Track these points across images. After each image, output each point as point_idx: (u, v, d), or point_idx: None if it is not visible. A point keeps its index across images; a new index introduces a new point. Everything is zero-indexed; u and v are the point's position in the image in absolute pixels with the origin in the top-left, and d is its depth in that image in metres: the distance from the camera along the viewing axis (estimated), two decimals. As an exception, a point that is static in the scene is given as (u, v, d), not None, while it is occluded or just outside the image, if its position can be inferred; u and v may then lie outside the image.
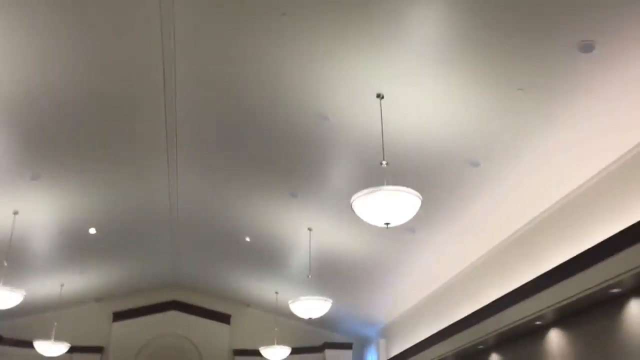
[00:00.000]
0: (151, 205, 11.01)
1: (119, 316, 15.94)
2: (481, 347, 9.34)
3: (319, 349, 15.95)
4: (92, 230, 11.32)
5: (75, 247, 11.97)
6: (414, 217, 6.13)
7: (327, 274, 11.89)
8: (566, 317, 7.24)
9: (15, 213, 9.60)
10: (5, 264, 9.74)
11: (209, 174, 9.95)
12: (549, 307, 7.12)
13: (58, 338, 13.29)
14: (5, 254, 9.82)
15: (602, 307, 6.58)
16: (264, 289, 14.76)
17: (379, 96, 6.57)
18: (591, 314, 6.80)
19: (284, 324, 15.05)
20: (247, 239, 11.99)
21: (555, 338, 7.56)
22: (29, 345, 13.31)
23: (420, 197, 5.92)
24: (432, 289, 11.60)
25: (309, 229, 10.54)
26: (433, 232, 9.48)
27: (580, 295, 6.52)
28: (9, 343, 14.40)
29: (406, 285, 12.00)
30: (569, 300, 6.74)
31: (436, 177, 7.94)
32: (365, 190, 5.88)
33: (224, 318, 16.53)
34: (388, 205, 5.88)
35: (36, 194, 9.44)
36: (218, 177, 9.92)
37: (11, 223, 9.66)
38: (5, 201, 9.37)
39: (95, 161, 9.06)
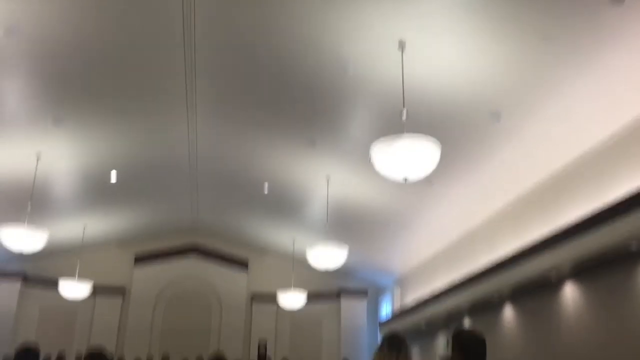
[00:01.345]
0: (171, 152, 11.10)
1: (140, 260, 16.34)
2: (496, 299, 9.44)
3: (335, 295, 16.27)
4: (113, 176, 11.48)
5: (97, 192, 12.18)
6: (431, 170, 6.11)
7: (344, 223, 11.99)
8: (582, 271, 7.26)
9: (38, 157, 9.75)
10: (29, 206, 9.96)
11: (228, 122, 9.96)
12: (565, 261, 7.14)
13: (82, 277, 13.67)
14: (28, 197, 10.02)
15: (620, 263, 6.57)
16: (282, 236, 14.97)
17: (401, 45, 6.45)
18: (608, 270, 6.80)
19: (301, 271, 15.31)
20: (266, 187, 12.08)
21: (570, 292, 7.60)
22: (54, 284, 13.76)
23: (439, 145, 5.88)
24: (449, 240, 11.66)
25: (327, 178, 10.58)
26: (451, 184, 9.46)
27: (598, 250, 6.52)
28: (34, 282, 14.87)
29: (422, 236, 12.08)
30: (586, 255, 6.75)
31: (457, 129, 7.86)
32: (384, 138, 5.84)
33: (243, 263, 16.87)
34: (407, 157, 5.85)
35: (59, 139, 9.55)
36: (237, 125, 9.93)
37: (34, 167, 9.82)
38: (28, 145, 9.51)
39: (117, 109, 9.11)
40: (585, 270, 7.19)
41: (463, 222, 10.70)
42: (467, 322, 10.63)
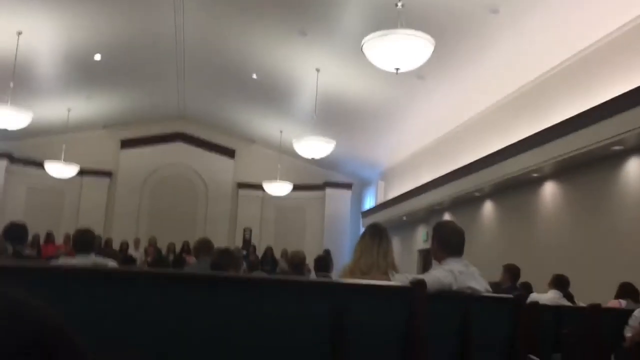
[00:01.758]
0: (158, 35, 10.74)
1: (126, 144, 16.31)
2: (477, 194, 9.67)
3: (320, 187, 16.55)
4: (98, 56, 11.16)
5: (81, 72, 11.88)
6: (423, 63, 6.00)
7: (332, 115, 11.94)
8: (564, 170, 7.40)
9: (19, 33, 9.40)
10: (12, 84, 9.74)
11: (217, 5, 9.58)
12: (548, 160, 7.25)
13: (68, 160, 13.63)
14: (10, 74, 9.77)
15: (600, 163, 6.70)
16: (269, 126, 14.93)
17: None
18: (589, 170, 6.94)
19: (287, 162, 15.43)
20: (254, 76, 11.87)
21: (550, 190, 7.79)
22: (40, 165, 13.76)
23: (433, 42, 5.74)
24: (435, 136, 11.73)
25: (317, 69, 10.39)
26: (442, 79, 9.35)
27: (582, 150, 6.61)
28: (21, 162, 14.86)
29: (409, 131, 12.12)
30: (569, 155, 6.85)
31: (453, 23, 7.64)
32: (377, 33, 5.69)
33: (229, 152, 16.94)
34: (399, 50, 5.73)
35: (40, 14, 9.16)
36: (226, 10, 9.57)
37: (15, 43, 9.49)
38: (8, 19, 9.13)
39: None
40: (566, 170, 7.33)
41: (451, 118, 10.70)
42: (447, 216, 10.95)
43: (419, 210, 11.96)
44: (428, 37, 5.65)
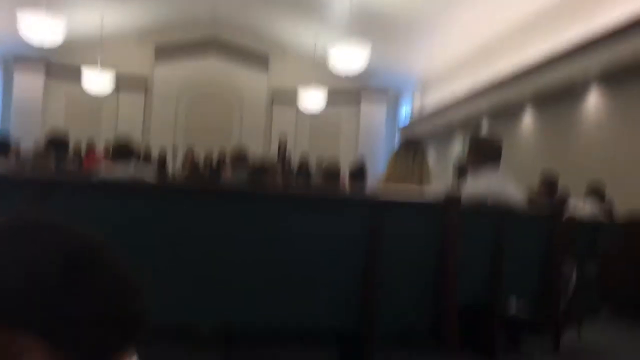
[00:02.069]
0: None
1: (160, 52, 16.19)
2: (517, 104, 9.42)
3: (355, 97, 16.33)
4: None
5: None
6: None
7: (367, 21, 11.55)
8: (610, 78, 7.09)
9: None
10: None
11: None
12: (594, 67, 6.95)
13: (104, 68, 13.65)
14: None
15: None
16: (304, 33, 14.59)
17: None
18: (637, 77, 6.63)
19: (322, 71, 15.17)
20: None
21: (593, 99, 7.52)
22: (77, 76, 13.84)
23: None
24: (474, 44, 11.28)
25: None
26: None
27: (630, 56, 6.29)
28: (58, 71, 14.94)
29: (447, 39, 11.68)
30: (616, 61, 6.54)
31: None
32: None
33: (263, 62, 16.71)
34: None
35: None
36: None
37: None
38: None
39: None
40: (612, 77, 7.03)
41: (491, 25, 10.23)
42: (485, 127, 10.75)
43: (456, 121, 11.76)
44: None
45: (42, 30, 9.54)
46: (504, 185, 3.11)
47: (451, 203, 2.23)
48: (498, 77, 9.60)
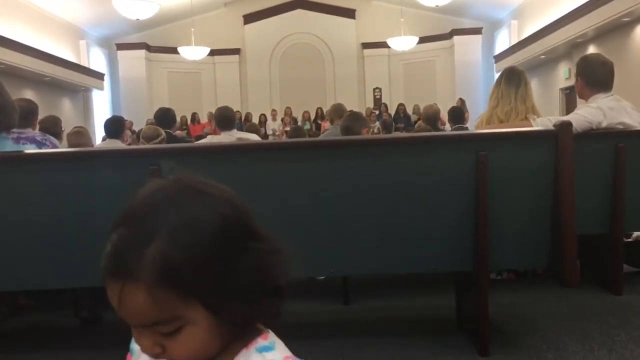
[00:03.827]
0: None
1: (249, 18, 16.49)
2: (627, 19, 8.68)
3: (447, 36, 15.76)
4: None
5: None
6: None
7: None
8: None
9: None
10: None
11: None
12: None
13: (198, 43, 14.30)
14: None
15: None
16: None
17: None
18: None
19: (410, 14, 14.74)
20: None
21: None
22: (174, 51, 14.61)
23: None
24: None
25: None
26: None
27: None
28: (157, 50, 15.81)
29: (543, -40, 10.90)
30: None
31: None
32: None
33: (349, 13, 16.50)
34: None
35: None
36: None
37: None
38: None
39: None
40: None
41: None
42: (592, 49, 10.03)
43: (559, 45, 11.04)
44: None
45: (136, 8, 10.02)
46: (619, 107, 2.92)
47: (562, 128, 2.12)
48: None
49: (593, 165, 2.68)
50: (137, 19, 10.55)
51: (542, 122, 2.83)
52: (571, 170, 2.10)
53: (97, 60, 15.09)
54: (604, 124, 2.82)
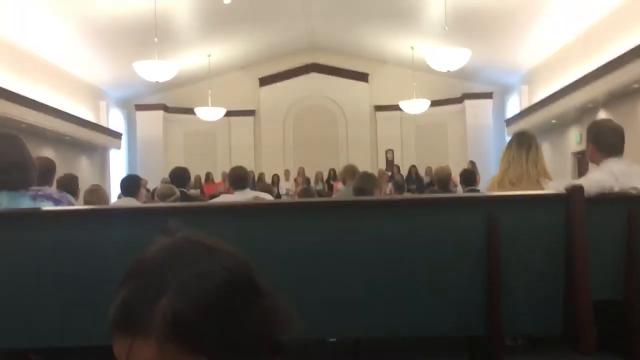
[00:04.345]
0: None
1: (264, 81, 16.89)
2: (637, 86, 8.79)
3: (459, 99, 16.00)
4: (227, 0, 11.49)
5: (214, 18, 12.35)
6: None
7: (464, 23, 11.32)
8: None
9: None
10: (156, 39, 10.39)
11: None
12: None
13: (214, 104, 14.65)
14: (153, 31, 10.40)
15: None
16: (400, 44, 14.56)
17: None
18: None
19: (422, 78, 15.04)
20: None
21: None
22: (191, 112, 14.95)
23: None
24: (581, 27, 10.70)
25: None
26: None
27: None
28: (174, 111, 16.20)
29: (551, 26, 11.16)
30: None
31: None
32: None
33: (362, 76, 16.86)
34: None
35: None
36: None
37: (153, 0, 10.03)
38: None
39: None
40: None
41: (599, 5, 9.67)
42: (602, 115, 10.12)
43: (570, 110, 11.16)
44: None
45: (156, 71, 10.35)
46: (631, 172, 2.93)
47: (574, 192, 2.13)
48: (611, 59, 9.02)
49: (606, 230, 2.67)
50: (157, 81, 10.85)
51: (554, 186, 2.84)
52: (584, 233, 2.10)
53: (115, 120, 15.44)
54: (616, 189, 2.83)
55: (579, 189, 2.21)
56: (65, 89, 12.44)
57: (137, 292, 0.65)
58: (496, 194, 2.90)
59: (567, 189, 2.23)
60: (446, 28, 10.42)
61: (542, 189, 2.91)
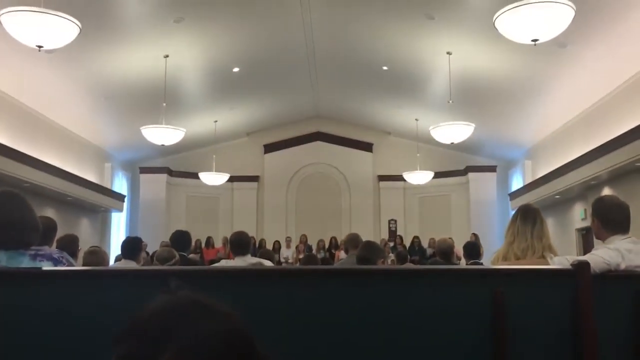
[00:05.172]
0: (289, 40, 11.11)
1: (269, 148, 17.11)
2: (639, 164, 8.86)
3: (462, 172, 16.11)
4: (236, 69, 11.79)
5: (222, 85, 12.65)
6: (564, 30, 5.61)
7: (468, 98, 11.58)
8: None
9: (166, 56, 10.20)
10: (164, 104, 10.61)
11: (341, 3, 9.69)
12: None
13: (218, 169, 14.76)
14: (162, 95, 10.64)
15: None
16: (404, 116, 14.82)
17: None
18: None
19: (426, 150, 15.23)
20: (385, 68, 11.84)
21: None
22: (195, 175, 15.03)
23: (574, 7, 5.35)
24: (584, 106, 10.91)
25: (448, 53, 10.11)
26: (586, 45, 8.68)
27: None
28: (178, 175, 16.31)
29: (555, 104, 11.39)
30: None
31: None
32: (509, 6, 5.42)
33: (367, 146, 17.08)
34: (536, 20, 5.41)
35: (181, 37, 9.88)
36: (350, 6, 9.65)
37: (163, 66, 10.31)
38: (155, 46, 9.95)
39: (233, 2, 9.18)
40: None
41: (600, 86, 9.89)
42: (607, 191, 10.14)
43: (574, 186, 11.19)
44: (567, 1, 5.26)
45: (162, 136, 10.49)
46: (637, 250, 2.89)
47: (580, 269, 2.10)
48: (614, 137, 9.13)
49: (611, 309, 2.61)
50: (163, 145, 11.00)
51: (560, 261, 2.80)
52: (591, 310, 2.05)
53: (119, 182, 15.53)
54: (622, 266, 2.78)
55: (585, 265, 2.17)
56: (71, 150, 12.60)
57: (137, 350, 0.63)
58: (502, 267, 2.86)
59: (573, 265, 2.19)
60: (451, 101, 10.63)
61: (547, 263, 2.87)
